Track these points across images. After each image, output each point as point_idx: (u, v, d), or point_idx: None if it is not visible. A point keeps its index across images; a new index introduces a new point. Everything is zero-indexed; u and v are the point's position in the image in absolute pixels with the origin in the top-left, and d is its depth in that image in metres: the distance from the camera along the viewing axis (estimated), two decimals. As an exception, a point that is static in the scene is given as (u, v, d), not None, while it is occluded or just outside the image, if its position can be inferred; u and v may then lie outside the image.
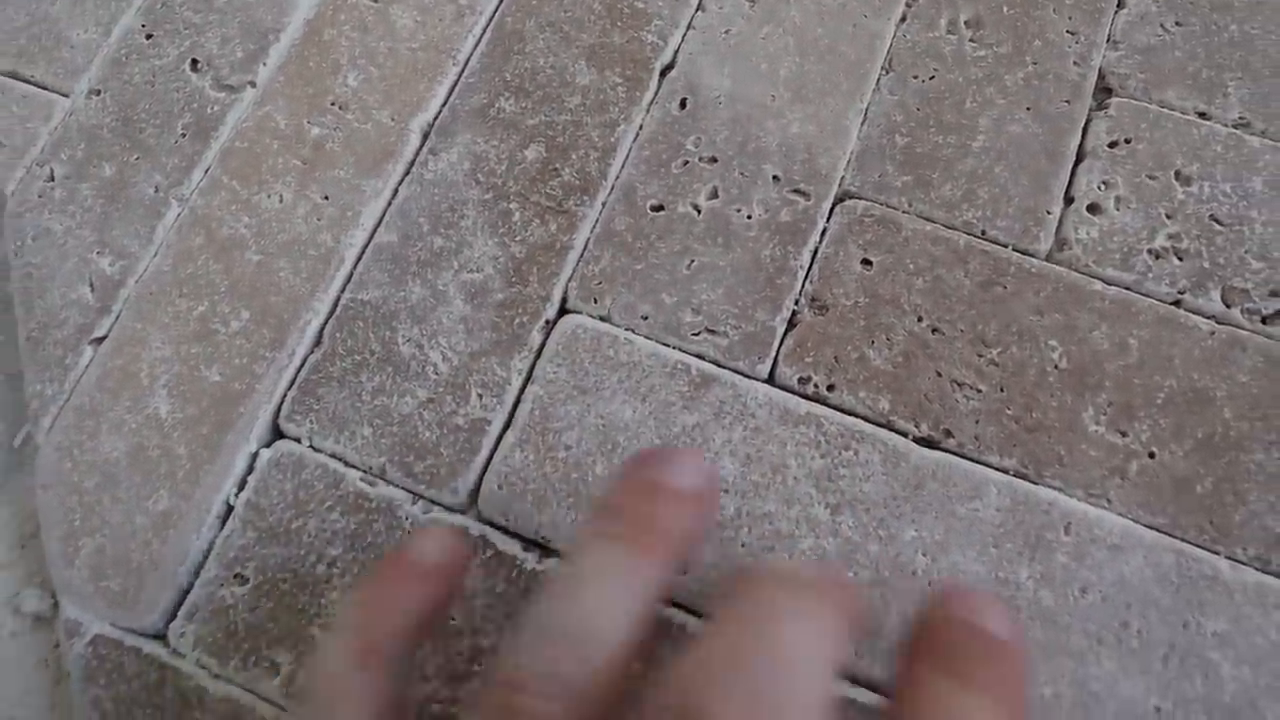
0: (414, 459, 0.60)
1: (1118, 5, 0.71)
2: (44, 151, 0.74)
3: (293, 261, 0.66)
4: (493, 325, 0.63)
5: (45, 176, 0.73)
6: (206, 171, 0.70)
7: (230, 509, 0.61)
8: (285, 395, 0.63)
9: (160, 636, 0.59)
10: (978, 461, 0.58)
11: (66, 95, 0.75)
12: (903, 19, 0.71)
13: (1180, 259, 0.63)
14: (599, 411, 0.60)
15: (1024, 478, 0.58)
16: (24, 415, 0.69)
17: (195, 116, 0.72)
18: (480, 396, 0.61)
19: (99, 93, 0.75)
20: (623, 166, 0.67)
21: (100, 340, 0.66)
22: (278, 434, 0.63)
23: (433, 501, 0.60)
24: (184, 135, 0.72)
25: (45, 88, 0.76)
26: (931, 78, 0.69)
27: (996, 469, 0.58)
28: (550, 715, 0.30)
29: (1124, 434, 0.58)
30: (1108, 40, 0.70)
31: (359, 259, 0.66)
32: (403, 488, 0.60)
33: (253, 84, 0.73)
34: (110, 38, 0.77)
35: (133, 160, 0.72)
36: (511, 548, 0.58)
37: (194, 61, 0.75)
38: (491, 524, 0.59)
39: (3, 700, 0.62)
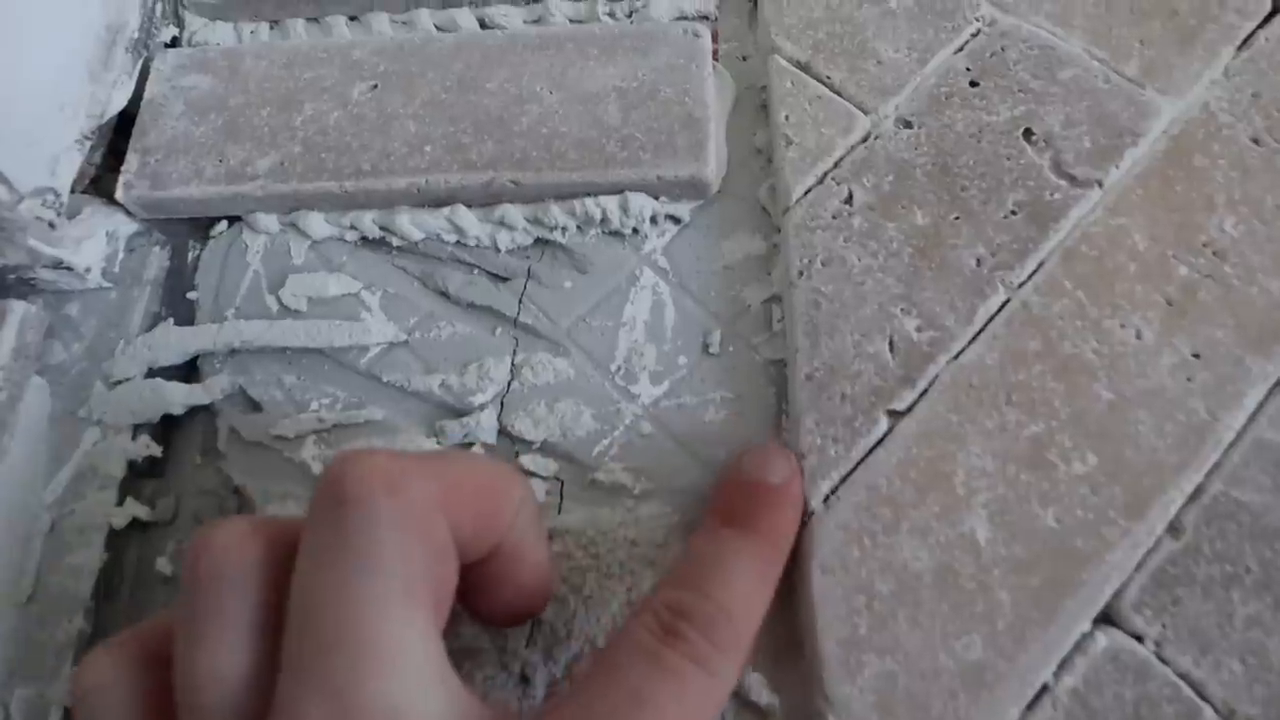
0: (1298, 728, 0.49)
1: None
2: (840, 167, 0.65)
3: (1155, 418, 0.56)
4: (1405, 598, 0.52)
5: (842, 196, 0.64)
6: (1042, 265, 0.61)
7: (1045, 689, 0.51)
8: (1132, 578, 0.53)
9: (946, 815, 0.49)
10: None
11: (867, 113, 0.67)
12: None
13: None
14: None
15: None
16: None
17: (1030, 196, 0.63)
18: (1387, 682, 0.50)
19: (910, 125, 0.66)
20: None
21: (899, 414, 0.57)
22: (1113, 621, 0.52)
23: (1309, 791, 0.48)
24: (1015, 213, 0.63)
25: (843, 95, 0.68)
26: None
27: None
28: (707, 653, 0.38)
29: None
30: None
31: (1233, 444, 0.55)
32: (1278, 756, 0.49)
33: (1100, 184, 0.63)
34: (926, 68, 0.69)
35: (951, 219, 0.63)
36: None
37: (1028, 131, 0.66)
38: None
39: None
